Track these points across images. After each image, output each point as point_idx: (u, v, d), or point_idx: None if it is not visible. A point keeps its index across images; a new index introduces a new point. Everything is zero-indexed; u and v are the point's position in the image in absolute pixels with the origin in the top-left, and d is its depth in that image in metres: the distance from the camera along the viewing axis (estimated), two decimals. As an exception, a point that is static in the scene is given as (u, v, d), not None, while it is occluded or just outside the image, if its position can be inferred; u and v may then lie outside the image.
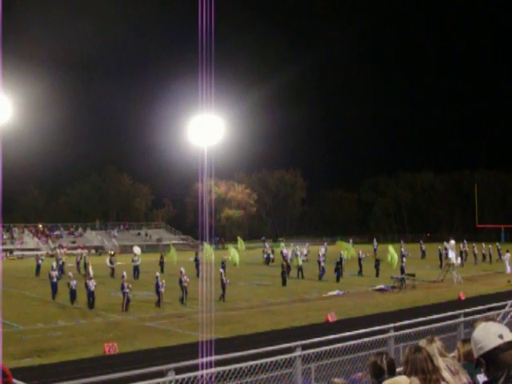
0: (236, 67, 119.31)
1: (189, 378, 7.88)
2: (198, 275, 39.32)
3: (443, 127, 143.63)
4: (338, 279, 38.51)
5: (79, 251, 54.23)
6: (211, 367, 8.26)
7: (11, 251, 76.32)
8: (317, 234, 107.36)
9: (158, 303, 28.49)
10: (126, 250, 63.99)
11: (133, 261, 42.96)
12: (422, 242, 58.92)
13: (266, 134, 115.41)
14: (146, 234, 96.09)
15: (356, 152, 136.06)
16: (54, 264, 35.82)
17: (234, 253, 44.87)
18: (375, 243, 61.70)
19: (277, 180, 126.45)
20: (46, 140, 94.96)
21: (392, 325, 11.59)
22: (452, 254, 38.72)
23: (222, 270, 32.28)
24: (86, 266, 42.96)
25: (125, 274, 30.12)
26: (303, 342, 9.72)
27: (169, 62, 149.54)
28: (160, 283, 28.78)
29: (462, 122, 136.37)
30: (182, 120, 69.14)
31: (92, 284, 27.67)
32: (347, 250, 45.61)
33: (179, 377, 7.80)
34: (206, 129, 56.64)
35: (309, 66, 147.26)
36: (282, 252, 51.43)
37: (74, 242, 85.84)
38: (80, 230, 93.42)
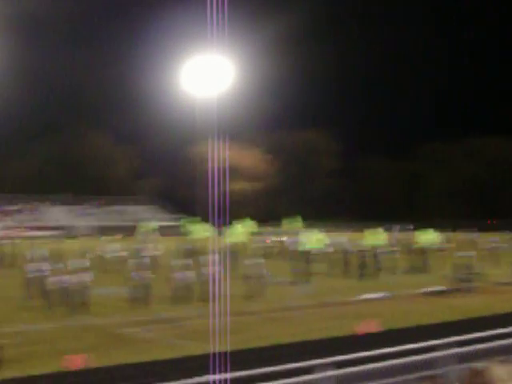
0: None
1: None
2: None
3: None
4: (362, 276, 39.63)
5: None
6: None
7: None
8: (351, 217, 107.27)
9: None
10: (103, 232, 64.21)
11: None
12: (475, 230, 58.89)
13: (288, 82, 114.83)
14: (128, 212, 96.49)
15: (406, 110, 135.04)
16: (30, 253, 35.41)
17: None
18: (396, 229, 60.97)
19: (301, 144, 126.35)
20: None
21: (450, 339, 11.59)
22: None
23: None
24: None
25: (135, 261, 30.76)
26: (332, 359, 9.75)
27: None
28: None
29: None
30: (178, 62, 68.74)
31: (80, 277, 27.63)
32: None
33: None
34: (208, 74, 55.98)
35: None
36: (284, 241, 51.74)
37: (33, 221, 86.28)
38: (41, 205, 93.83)
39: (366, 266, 41.15)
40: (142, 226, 55.25)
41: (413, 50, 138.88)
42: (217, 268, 31.89)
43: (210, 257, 33.06)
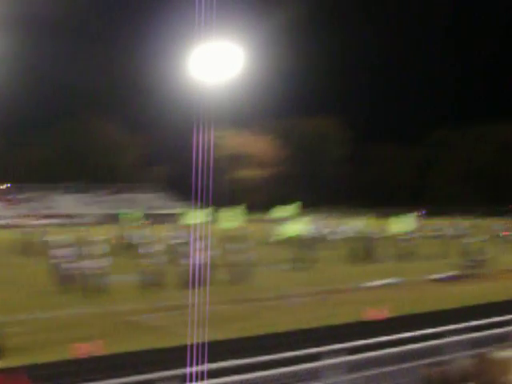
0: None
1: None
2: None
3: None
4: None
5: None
6: (212, 378, 8.31)
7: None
8: (360, 203, 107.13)
9: None
10: (112, 220, 64.07)
11: None
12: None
13: (297, 68, 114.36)
14: (137, 201, 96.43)
15: (417, 95, 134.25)
16: (51, 240, 35.53)
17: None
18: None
19: (311, 130, 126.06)
20: (2, 74, 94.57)
21: (455, 326, 11.59)
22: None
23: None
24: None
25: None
26: (337, 346, 9.74)
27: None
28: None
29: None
30: (185, 48, 68.62)
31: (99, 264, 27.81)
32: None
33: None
34: (218, 61, 55.91)
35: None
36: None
37: (43, 209, 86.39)
38: (51, 193, 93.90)
39: (371, 252, 41.26)
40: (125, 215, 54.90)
41: (424, 36, 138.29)
42: (205, 255, 31.79)
43: (201, 244, 32.90)
